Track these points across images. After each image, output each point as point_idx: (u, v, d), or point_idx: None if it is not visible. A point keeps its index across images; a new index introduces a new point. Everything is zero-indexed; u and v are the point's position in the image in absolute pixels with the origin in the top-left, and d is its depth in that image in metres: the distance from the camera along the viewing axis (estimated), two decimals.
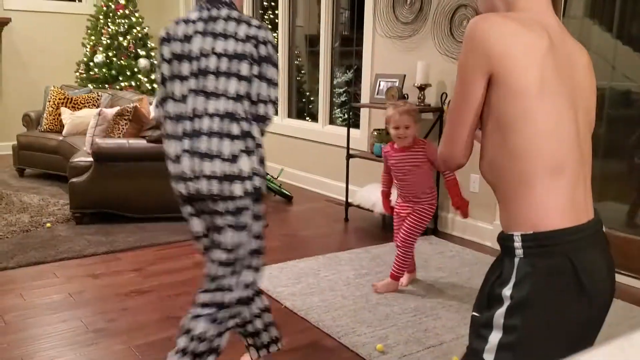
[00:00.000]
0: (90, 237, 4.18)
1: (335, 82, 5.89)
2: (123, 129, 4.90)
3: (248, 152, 2.02)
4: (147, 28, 7.25)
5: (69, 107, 6.05)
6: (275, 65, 2.08)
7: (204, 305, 2.11)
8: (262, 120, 2.07)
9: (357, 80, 5.53)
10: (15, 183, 5.81)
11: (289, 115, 6.43)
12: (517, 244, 1.24)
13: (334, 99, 5.90)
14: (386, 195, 3.50)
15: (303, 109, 6.53)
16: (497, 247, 4.41)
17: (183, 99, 2.03)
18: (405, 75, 4.60)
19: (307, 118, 6.33)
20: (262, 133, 2.10)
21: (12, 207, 4.85)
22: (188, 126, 2.01)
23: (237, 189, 2.00)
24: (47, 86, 6.37)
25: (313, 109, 6.32)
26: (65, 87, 6.41)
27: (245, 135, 2.02)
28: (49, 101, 6.09)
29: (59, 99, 6.07)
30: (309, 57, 6.63)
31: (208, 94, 2.01)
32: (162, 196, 4.54)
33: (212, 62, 2.01)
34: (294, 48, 6.36)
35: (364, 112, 5.24)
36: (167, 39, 2.07)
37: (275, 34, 6.53)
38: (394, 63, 4.84)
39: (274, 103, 2.09)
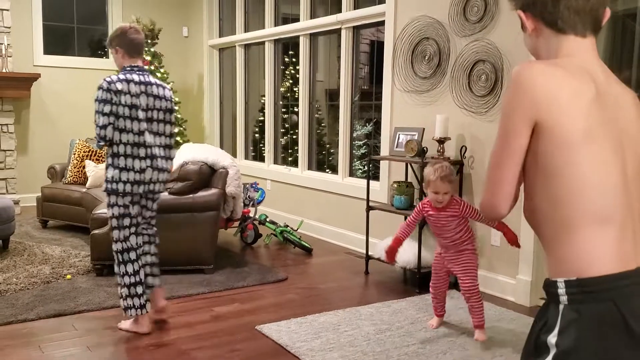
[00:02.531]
0: (110, 289, 4.18)
1: (354, 135, 5.94)
2: None
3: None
4: (171, 83, 7.43)
5: (93, 160, 6.17)
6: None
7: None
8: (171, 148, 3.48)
9: (377, 133, 5.57)
10: (38, 234, 5.88)
11: (309, 167, 6.47)
12: (561, 290, 1.23)
13: (353, 152, 5.94)
14: (399, 242, 3.48)
15: (323, 161, 6.57)
16: (520, 302, 4.31)
17: (140, 133, 3.24)
18: (424, 129, 4.63)
19: (327, 170, 6.37)
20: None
21: (34, 259, 4.89)
22: (148, 151, 3.28)
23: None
24: (73, 139, 6.52)
25: (333, 161, 6.36)
26: (90, 140, 6.53)
27: (171, 158, 3.47)
28: (74, 154, 6.21)
29: (84, 151, 6.19)
30: (329, 111, 6.72)
31: (155, 133, 3.34)
32: (182, 248, 4.57)
33: (155, 114, 3.34)
34: (314, 102, 6.46)
35: (383, 165, 5.26)
36: (124, 92, 3.20)
37: (296, 89, 6.66)
38: (413, 116, 4.88)
39: (172, 136, 3.46)
